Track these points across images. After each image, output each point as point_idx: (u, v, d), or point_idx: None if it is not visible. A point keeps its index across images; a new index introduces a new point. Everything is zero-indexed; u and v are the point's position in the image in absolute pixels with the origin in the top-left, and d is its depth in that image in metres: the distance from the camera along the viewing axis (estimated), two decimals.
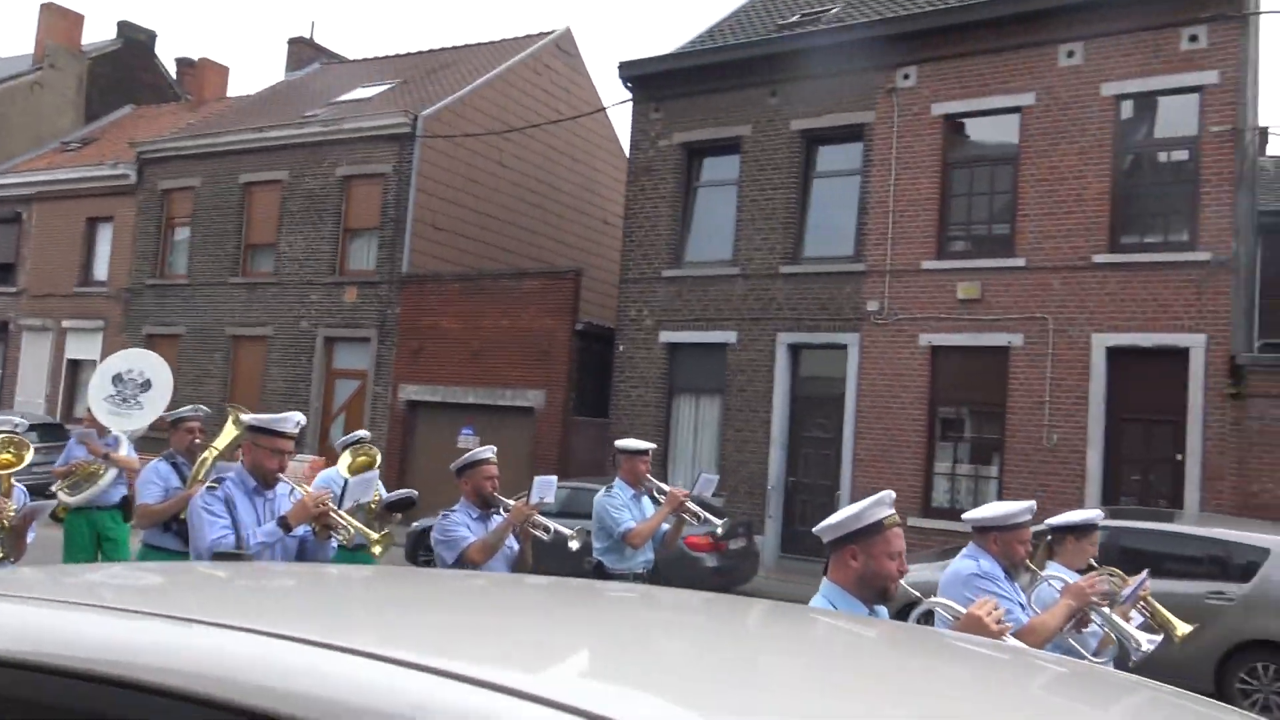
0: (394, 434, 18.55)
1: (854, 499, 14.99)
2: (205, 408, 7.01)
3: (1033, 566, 4.35)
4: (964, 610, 2.95)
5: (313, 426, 18.98)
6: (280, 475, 4.42)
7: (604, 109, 20.00)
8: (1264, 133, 26.40)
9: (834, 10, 16.83)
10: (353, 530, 4.46)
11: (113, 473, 7.46)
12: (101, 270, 23.84)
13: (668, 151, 16.80)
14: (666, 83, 16.91)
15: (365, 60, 26.14)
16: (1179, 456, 12.62)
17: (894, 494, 3.02)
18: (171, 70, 31.77)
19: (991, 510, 4.36)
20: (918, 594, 3.19)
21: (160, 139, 23.39)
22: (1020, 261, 13.64)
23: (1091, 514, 4.92)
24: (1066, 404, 13.19)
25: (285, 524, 4.24)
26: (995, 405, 13.76)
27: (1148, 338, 12.81)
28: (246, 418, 4.58)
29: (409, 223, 19.32)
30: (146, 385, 7.71)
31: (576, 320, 17.49)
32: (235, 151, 21.66)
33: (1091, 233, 13.26)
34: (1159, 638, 3.97)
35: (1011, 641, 2.80)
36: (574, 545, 5.44)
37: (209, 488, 4.33)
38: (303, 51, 26.78)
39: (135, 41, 31.40)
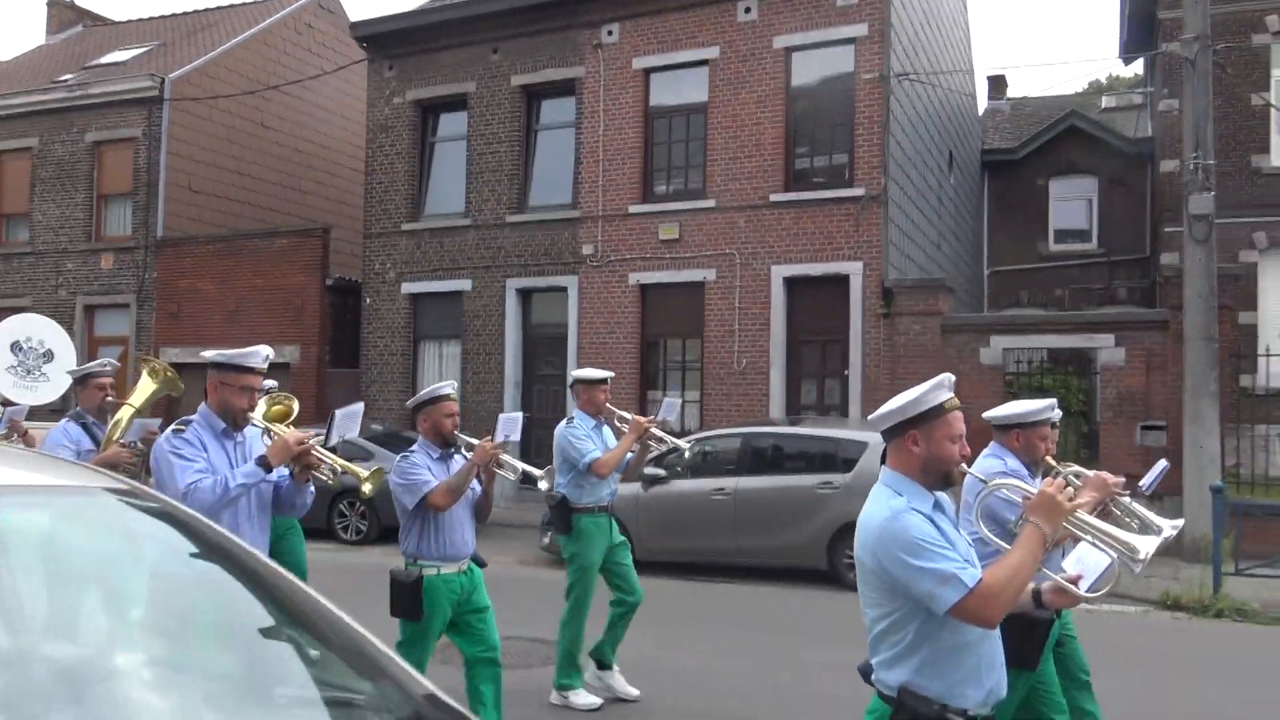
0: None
1: None
2: (115, 361, 6.49)
3: (1053, 462, 4.31)
4: (1034, 490, 2.91)
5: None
6: (250, 416, 4.06)
7: (337, 70, 20.35)
8: (993, 84, 28.48)
9: None
10: (339, 468, 4.03)
11: None
12: None
13: (402, 109, 17.42)
14: (399, 41, 17.47)
15: (130, 22, 25.61)
16: (846, 372, 14.18)
17: (953, 377, 2.93)
18: None
19: (1013, 408, 4.33)
20: (982, 478, 3.27)
21: None
22: (711, 203, 14.90)
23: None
24: (752, 330, 14.58)
25: (265, 464, 3.88)
26: (694, 335, 15.07)
27: (817, 267, 14.27)
28: (209, 354, 4.16)
29: (162, 186, 19.41)
30: (49, 355, 7.28)
31: (327, 276, 18.07)
32: None
33: (769, 174, 14.60)
34: (1180, 521, 3.74)
35: (1083, 515, 2.84)
36: (544, 485, 5.22)
37: (175, 430, 3.95)
38: (64, 14, 26.00)
39: None
